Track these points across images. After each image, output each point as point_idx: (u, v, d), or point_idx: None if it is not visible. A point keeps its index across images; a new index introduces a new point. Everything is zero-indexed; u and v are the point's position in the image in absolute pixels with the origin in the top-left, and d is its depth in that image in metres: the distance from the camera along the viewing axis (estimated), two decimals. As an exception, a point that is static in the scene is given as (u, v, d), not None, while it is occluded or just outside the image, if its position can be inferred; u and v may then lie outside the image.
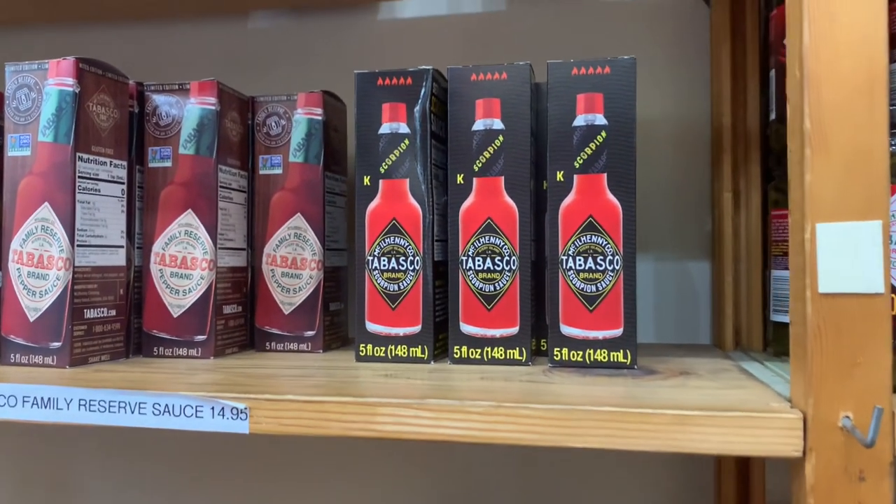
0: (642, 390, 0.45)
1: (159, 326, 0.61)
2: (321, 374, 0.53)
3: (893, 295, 0.40)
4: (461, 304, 0.56)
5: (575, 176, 0.54)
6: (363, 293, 0.58)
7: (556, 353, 0.54)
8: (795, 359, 0.39)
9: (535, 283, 0.59)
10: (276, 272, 0.64)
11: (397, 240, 0.57)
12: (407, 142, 0.57)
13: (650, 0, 0.74)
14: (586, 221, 0.53)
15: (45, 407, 0.47)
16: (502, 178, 0.55)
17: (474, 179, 0.56)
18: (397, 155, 0.57)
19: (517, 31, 0.77)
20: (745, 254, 0.66)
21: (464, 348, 0.56)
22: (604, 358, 0.53)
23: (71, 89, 0.55)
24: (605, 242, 0.53)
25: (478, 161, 0.56)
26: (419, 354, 0.57)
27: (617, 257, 0.53)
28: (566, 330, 0.54)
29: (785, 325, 0.58)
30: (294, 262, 0.64)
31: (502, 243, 0.55)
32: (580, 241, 0.53)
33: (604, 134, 0.53)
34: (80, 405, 0.47)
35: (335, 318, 0.67)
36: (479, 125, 0.56)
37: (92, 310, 0.57)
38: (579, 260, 0.53)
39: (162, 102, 0.62)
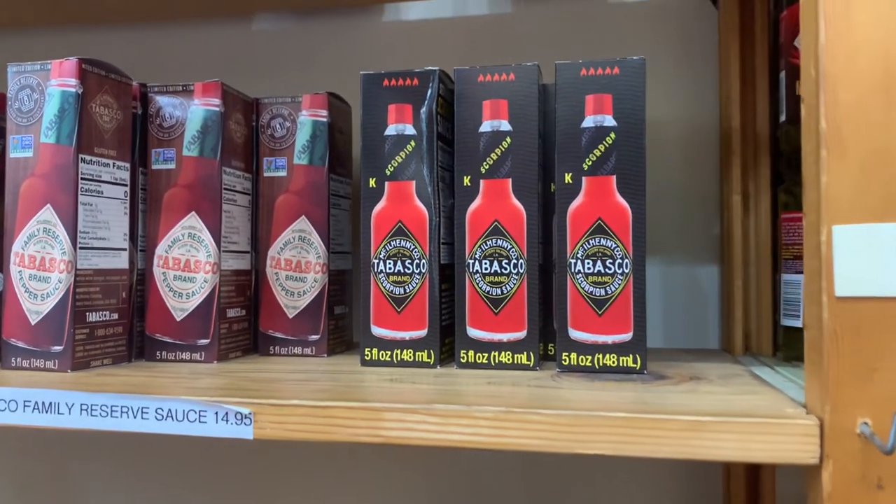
0: (653, 396, 0.44)
1: (162, 330, 0.60)
2: (326, 378, 0.52)
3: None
4: (468, 308, 0.55)
5: (583, 178, 0.53)
6: (368, 296, 0.57)
7: (564, 357, 0.53)
8: (811, 363, 0.38)
9: (543, 287, 0.58)
10: (280, 275, 0.64)
11: (403, 242, 0.57)
12: (413, 143, 0.56)
13: (657, 1, 0.73)
14: (595, 224, 0.53)
15: (47, 411, 0.47)
16: (510, 180, 0.55)
17: (481, 181, 0.55)
18: (403, 157, 0.57)
19: (522, 34, 0.76)
20: (755, 257, 0.65)
21: (470, 353, 0.55)
22: (613, 363, 0.52)
23: (74, 90, 0.55)
24: (614, 245, 0.52)
25: (485, 163, 0.55)
26: (425, 359, 0.56)
27: (626, 260, 0.52)
28: (574, 334, 0.53)
29: (796, 330, 0.58)
30: (298, 265, 0.64)
31: (510, 246, 0.55)
32: (589, 243, 0.53)
33: (613, 135, 0.53)
34: (81, 410, 0.46)
35: (340, 322, 0.66)
36: (486, 126, 0.55)
37: (94, 313, 0.56)
38: (588, 263, 0.53)
39: (165, 104, 0.61)
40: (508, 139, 0.55)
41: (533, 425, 0.40)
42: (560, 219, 0.54)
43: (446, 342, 0.58)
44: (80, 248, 0.55)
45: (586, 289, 0.53)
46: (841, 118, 0.36)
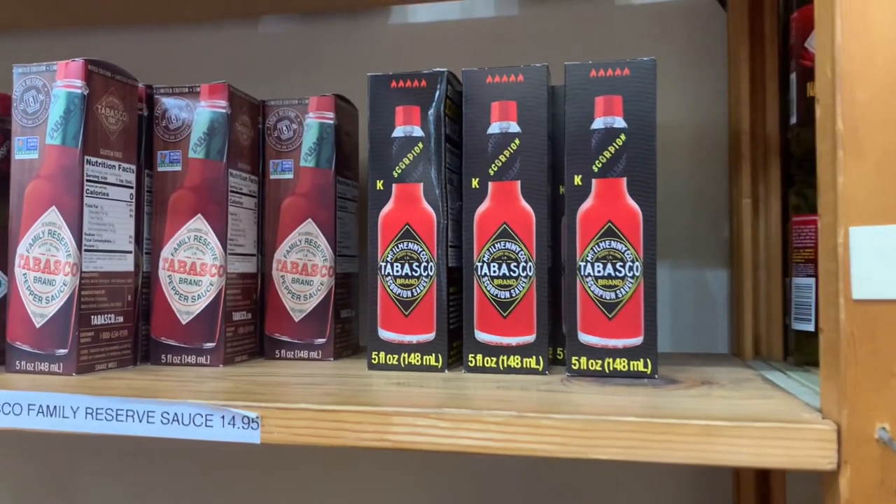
0: (665, 400, 0.43)
1: (167, 333, 0.60)
2: (333, 382, 0.51)
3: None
4: (476, 312, 0.55)
5: (593, 180, 0.52)
6: (375, 300, 0.57)
7: (573, 362, 0.53)
8: (827, 367, 0.37)
9: (552, 290, 0.57)
10: (286, 278, 0.63)
11: (411, 245, 0.56)
12: (421, 145, 0.56)
13: (664, 3, 0.73)
14: (605, 227, 0.52)
15: (51, 415, 0.46)
16: (518, 182, 0.54)
17: (490, 184, 0.55)
18: (411, 159, 0.56)
19: (529, 36, 0.76)
20: (765, 261, 0.64)
21: (479, 356, 0.55)
22: (623, 367, 0.52)
23: (79, 91, 0.55)
24: (624, 248, 0.52)
25: (493, 165, 0.55)
26: (433, 362, 0.56)
27: (637, 263, 0.52)
28: (584, 338, 0.52)
29: (807, 334, 0.57)
30: (305, 268, 0.63)
31: (518, 249, 0.54)
32: (599, 246, 0.52)
33: (623, 137, 0.52)
34: (86, 413, 0.45)
35: (346, 326, 0.66)
36: (494, 128, 0.55)
37: (99, 316, 0.56)
38: (598, 266, 0.52)
39: (172, 105, 0.61)
40: (517, 141, 0.54)
41: (544, 430, 0.39)
42: (570, 221, 0.53)
43: (454, 346, 0.58)
44: (86, 250, 0.55)
45: (596, 292, 0.52)
46: (858, 118, 0.36)
